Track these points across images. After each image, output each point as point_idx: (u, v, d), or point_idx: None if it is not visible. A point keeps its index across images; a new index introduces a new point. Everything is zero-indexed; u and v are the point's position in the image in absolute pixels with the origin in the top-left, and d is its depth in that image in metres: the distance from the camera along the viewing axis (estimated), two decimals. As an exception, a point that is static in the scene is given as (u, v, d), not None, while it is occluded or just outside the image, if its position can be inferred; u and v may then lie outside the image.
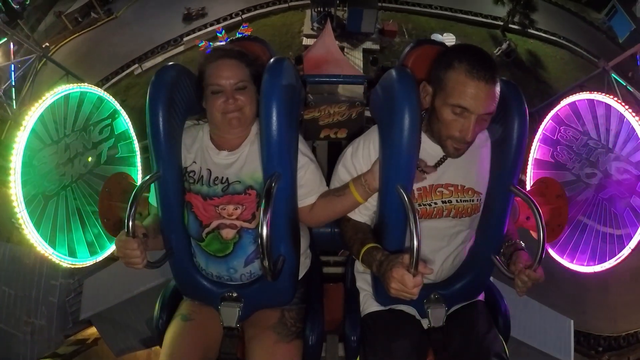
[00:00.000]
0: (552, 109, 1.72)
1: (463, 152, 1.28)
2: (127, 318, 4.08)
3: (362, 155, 1.39)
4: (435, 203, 1.37)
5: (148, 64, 11.20)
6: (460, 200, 1.38)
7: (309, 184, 1.41)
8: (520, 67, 12.63)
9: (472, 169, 1.39)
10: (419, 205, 1.36)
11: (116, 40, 12.06)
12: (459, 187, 1.38)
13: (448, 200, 1.37)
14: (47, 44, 11.35)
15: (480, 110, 1.18)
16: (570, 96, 1.63)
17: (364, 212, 1.43)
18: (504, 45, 12.56)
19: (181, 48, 11.76)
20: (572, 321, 4.09)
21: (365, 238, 1.35)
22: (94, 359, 5.75)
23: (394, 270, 1.13)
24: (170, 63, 1.33)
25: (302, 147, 1.43)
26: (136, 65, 11.22)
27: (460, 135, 1.22)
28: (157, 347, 1.40)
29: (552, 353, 3.85)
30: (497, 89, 1.19)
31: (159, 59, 11.37)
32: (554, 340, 3.91)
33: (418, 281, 1.11)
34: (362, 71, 10.23)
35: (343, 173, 1.43)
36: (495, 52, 12.39)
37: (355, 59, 11.04)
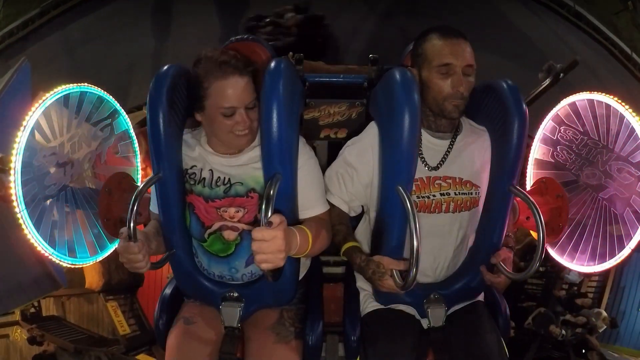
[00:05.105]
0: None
1: (462, 109, 1.33)
2: None
3: (357, 152, 1.41)
4: (434, 195, 1.38)
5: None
6: (459, 193, 1.39)
7: (308, 193, 1.36)
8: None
9: (470, 162, 1.40)
10: (417, 197, 1.37)
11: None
12: (457, 180, 1.39)
13: (446, 193, 1.38)
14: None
15: (462, 62, 1.28)
16: (570, 96, 1.63)
17: (344, 198, 1.45)
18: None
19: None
20: None
21: (347, 234, 1.43)
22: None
23: (383, 282, 1.27)
24: (170, 64, 1.33)
25: (304, 149, 1.40)
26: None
27: (453, 91, 1.29)
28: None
29: None
30: (469, 47, 1.32)
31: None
32: None
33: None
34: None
35: (341, 168, 1.44)
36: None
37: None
